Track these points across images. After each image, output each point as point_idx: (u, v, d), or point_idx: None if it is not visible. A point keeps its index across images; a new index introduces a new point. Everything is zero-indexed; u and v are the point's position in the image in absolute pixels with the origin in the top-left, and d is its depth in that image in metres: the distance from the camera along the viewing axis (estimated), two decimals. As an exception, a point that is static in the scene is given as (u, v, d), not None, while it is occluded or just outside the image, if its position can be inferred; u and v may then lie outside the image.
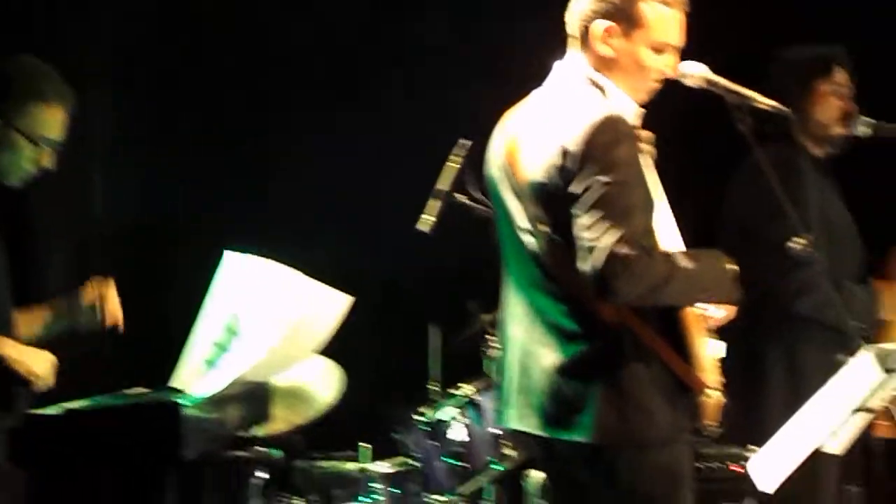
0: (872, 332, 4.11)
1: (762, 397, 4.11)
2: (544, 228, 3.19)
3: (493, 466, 4.63)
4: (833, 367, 3.32)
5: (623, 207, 3.06)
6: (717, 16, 4.87)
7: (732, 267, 3.23)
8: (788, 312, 4.10)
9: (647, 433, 3.16)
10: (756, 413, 4.04)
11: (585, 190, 3.08)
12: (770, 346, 4.16)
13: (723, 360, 3.29)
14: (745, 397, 4.03)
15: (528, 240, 3.24)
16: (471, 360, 4.86)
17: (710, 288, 3.20)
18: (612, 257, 3.02)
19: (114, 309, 3.77)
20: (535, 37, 3.63)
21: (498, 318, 3.43)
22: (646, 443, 3.16)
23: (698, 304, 3.22)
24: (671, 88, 3.36)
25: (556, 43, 3.37)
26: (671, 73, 3.29)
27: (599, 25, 3.24)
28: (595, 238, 3.04)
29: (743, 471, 3.45)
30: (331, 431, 4.57)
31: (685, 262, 3.13)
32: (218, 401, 3.60)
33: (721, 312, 3.29)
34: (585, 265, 3.06)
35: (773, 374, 4.14)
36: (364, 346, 4.91)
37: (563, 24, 3.35)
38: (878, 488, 4.14)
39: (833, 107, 4.25)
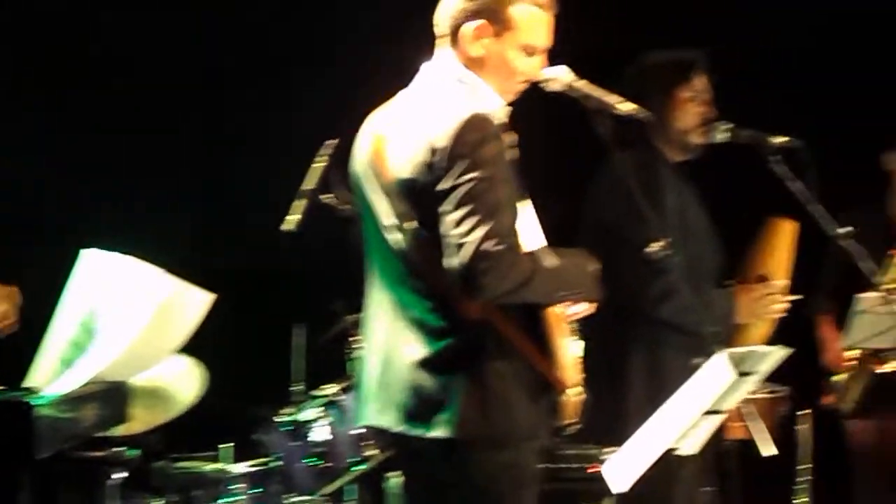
0: (729, 336, 4.17)
1: (623, 400, 4.13)
2: (411, 225, 3.19)
3: (354, 467, 4.62)
4: (691, 371, 3.37)
5: (490, 204, 3.09)
6: (578, 19, 4.92)
7: (595, 266, 3.28)
8: (649, 317, 4.13)
9: (508, 429, 3.18)
10: (617, 415, 4.06)
11: (454, 187, 3.10)
12: (631, 349, 4.18)
13: (585, 363, 3.32)
14: (607, 399, 4.05)
15: (394, 237, 3.24)
16: (335, 361, 4.85)
17: (573, 287, 3.25)
18: (480, 254, 3.05)
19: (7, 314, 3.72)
20: (402, 36, 3.64)
21: (362, 315, 3.42)
22: (505, 438, 3.19)
23: (564, 298, 3.25)
24: (534, 90, 3.38)
25: (423, 42, 3.37)
26: (539, 76, 3.32)
27: (470, 25, 3.26)
28: (463, 234, 3.07)
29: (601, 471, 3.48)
30: (192, 431, 4.52)
31: (550, 261, 3.17)
32: (74, 400, 3.54)
33: (581, 307, 3.33)
34: (453, 261, 3.08)
35: (633, 377, 4.16)
36: (227, 346, 4.88)
37: (431, 23, 3.35)
38: (731, 489, 4.21)
39: (693, 113, 4.27)
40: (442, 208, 3.11)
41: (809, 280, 5.72)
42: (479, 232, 3.06)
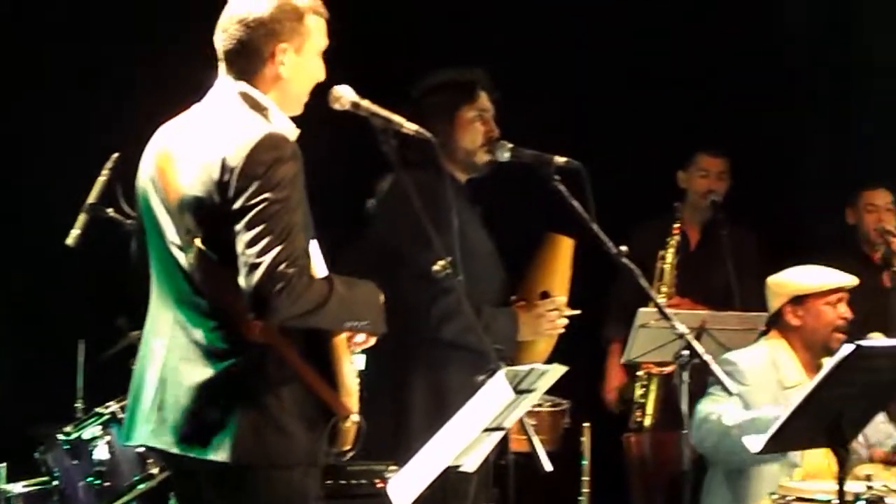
0: (511, 354, 4.21)
1: (407, 419, 4.12)
2: (197, 244, 3.16)
3: (138, 486, 4.55)
4: (473, 389, 3.40)
5: (285, 226, 3.07)
6: (361, 39, 4.96)
7: (381, 297, 3.29)
8: (432, 337, 4.12)
9: (284, 455, 3.16)
10: (401, 434, 4.06)
11: (247, 207, 3.07)
12: (414, 369, 4.16)
13: (369, 383, 3.32)
14: (390, 419, 4.06)
15: (179, 254, 3.20)
16: (119, 377, 4.77)
17: (362, 316, 3.24)
18: (274, 275, 3.03)
19: None
20: (195, 52, 3.61)
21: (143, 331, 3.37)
22: (281, 464, 3.16)
23: (351, 329, 3.24)
24: (316, 111, 3.39)
25: (214, 59, 3.34)
26: (322, 77, 3.32)
27: (272, 47, 3.23)
28: (256, 255, 3.04)
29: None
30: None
31: (341, 288, 3.16)
32: None
33: (363, 338, 3.33)
34: (246, 282, 3.05)
35: (416, 396, 4.15)
36: (5, 362, 4.76)
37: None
38: (513, 502, 4.25)
39: (477, 132, 4.28)
40: (235, 228, 3.08)
41: (602, 302, 5.88)
42: (273, 253, 3.04)
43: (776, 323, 4.88)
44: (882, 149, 6.25)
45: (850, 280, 4.83)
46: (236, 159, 3.09)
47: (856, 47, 6.34)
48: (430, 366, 4.17)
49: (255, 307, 3.06)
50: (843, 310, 4.80)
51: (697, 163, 6.18)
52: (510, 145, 4.24)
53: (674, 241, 5.98)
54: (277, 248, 3.04)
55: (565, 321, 4.32)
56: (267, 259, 3.03)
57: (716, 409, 4.62)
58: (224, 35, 3.28)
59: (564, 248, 4.36)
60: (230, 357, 3.16)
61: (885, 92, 6.29)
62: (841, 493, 3.80)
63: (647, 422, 5.83)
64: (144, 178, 3.31)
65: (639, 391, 5.91)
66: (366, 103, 3.46)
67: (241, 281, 3.06)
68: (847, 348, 3.69)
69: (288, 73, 3.25)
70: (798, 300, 4.81)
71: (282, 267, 3.03)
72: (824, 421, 3.80)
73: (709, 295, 5.89)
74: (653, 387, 5.88)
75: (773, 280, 4.91)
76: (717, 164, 6.17)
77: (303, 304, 3.07)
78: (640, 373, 5.89)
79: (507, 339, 4.15)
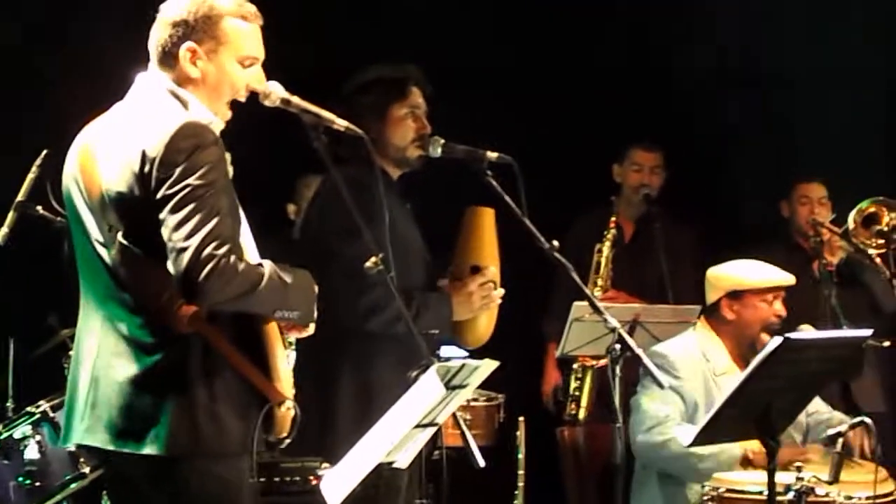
0: (457, 334, 4.21)
1: (335, 414, 4.11)
2: (120, 238, 3.15)
3: (70, 485, 4.52)
4: (403, 383, 3.39)
5: (210, 209, 3.07)
6: (293, 35, 4.94)
7: (315, 286, 3.29)
8: (361, 331, 4.11)
9: (220, 445, 3.17)
10: (330, 430, 4.05)
11: (170, 194, 3.07)
12: (342, 364, 4.15)
13: (298, 377, 3.31)
14: (320, 414, 4.05)
15: (103, 251, 3.20)
16: (50, 376, 4.74)
17: (294, 305, 3.23)
18: (202, 257, 3.03)
19: None
20: (123, 47, 3.59)
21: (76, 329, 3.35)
22: (217, 453, 3.17)
23: (280, 318, 3.23)
24: (247, 106, 3.37)
25: (145, 55, 3.32)
26: (259, 86, 3.32)
27: (184, 47, 3.24)
28: (183, 238, 3.04)
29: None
30: None
31: (275, 274, 3.16)
32: None
33: (299, 327, 3.33)
34: (174, 267, 3.05)
35: (345, 391, 4.14)
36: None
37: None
38: (446, 497, 4.26)
39: (409, 128, 4.26)
40: (161, 217, 3.07)
41: (537, 295, 5.90)
42: (199, 236, 3.04)
43: (710, 314, 4.90)
44: (817, 143, 6.32)
45: (789, 279, 4.86)
46: (156, 150, 3.09)
47: (789, 42, 6.41)
48: (359, 360, 4.16)
49: (185, 291, 3.06)
50: (779, 307, 4.83)
51: (631, 157, 6.21)
52: (442, 141, 4.22)
53: (610, 234, 6.01)
54: (204, 231, 3.04)
55: (501, 291, 4.29)
56: (194, 242, 3.03)
57: (668, 435, 4.61)
58: (153, 33, 3.31)
59: (486, 219, 4.31)
60: (159, 350, 3.16)
61: (819, 88, 6.36)
62: (771, 484, 3.84)
63: (582, 415, 5.86)
64: (68, 174, 3.30)
65: (574, 384, 5.93)
66: (296, 100, 3.45)
67: (170, 266, 3.06)
68: (776, 341, 3.72)
69: (200, 75, 3.26)
70: (736, 295, 4.83)
71: (209, 249, 3.03)
72: (753, 413, 3.84)
73: (643, 288, 5.93)
74: (587, 380, 5.90)
75: (712, 272, 4.93)
76: (650, 158, 6.20)
77: (234, 286, 3.07)
78: (575, 366, 5.92)
79: (442, 321, 4.16)
